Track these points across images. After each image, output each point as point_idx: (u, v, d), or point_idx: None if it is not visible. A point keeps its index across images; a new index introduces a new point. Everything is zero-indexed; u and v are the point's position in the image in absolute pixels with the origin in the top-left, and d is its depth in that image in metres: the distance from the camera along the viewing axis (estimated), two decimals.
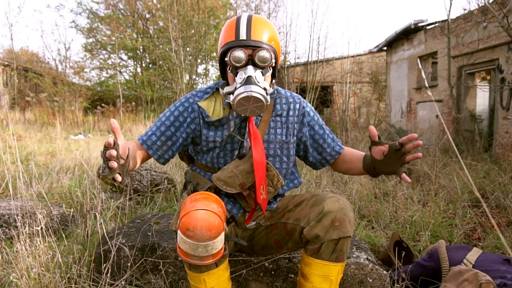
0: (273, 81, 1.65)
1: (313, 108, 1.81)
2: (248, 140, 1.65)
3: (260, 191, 1.58)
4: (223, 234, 1.40)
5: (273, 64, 1.57)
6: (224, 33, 1.57)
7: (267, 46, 1.52)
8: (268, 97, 1.48)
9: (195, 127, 1.65)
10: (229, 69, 1.54)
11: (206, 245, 1.36)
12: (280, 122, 1.70)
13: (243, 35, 1.50)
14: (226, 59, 1.53)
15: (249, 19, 1.53)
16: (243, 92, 1.43)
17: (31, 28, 40.24)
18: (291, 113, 1.71)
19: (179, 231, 1.38)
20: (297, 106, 1.73)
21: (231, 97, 1.48)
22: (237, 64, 1.50)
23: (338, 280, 1.55)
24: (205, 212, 1.35)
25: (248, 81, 1.46)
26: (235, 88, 1.49)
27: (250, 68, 1.49)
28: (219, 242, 1.39)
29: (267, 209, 1.73)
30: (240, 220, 1.72)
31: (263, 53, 1.49)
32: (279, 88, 1.75)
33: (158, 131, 1.65)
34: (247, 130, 1.64)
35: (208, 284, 1.49)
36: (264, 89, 1.49)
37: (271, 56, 1.51)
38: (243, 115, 1.51)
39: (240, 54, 1.48)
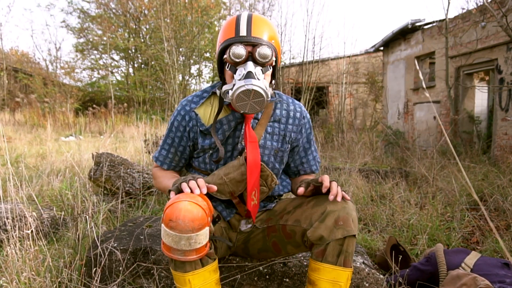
0: (273, 82, 1.62)
1: (310, 120, 1.80)
2: (242, 142, 1.62)
3: (251, 197, 1.56)
4: (207, 228, 1.35)
5: (273, 63, 1.55)
6: (223, 30, 1.54)
7: (267, 43, 1.50)
8: (269, 94, 1.46)
9: (194, 135, 1.65)
10: (227, 67, 1.51)
11: (189, 237, 1.31)
12: (278, 128, 1.67)
13: (243, 32, 1.48)
14: (225, 56, 1.50)
15: (250, 17, 1.52)
16: (243, 86, 1.40)
17: (21, 27, 40.02)
18: (290, 121, 1.69)
19: (162, 224, 1.34)
20: (298, 115, 1.71)
21: (230, 92, 1.45)
22: (236, 60, 1.46)
23: (347, 287, 1.50)
24: (188, 203, 1.32)
25: (248, 76, 1.43)
26: (234, 85, 1.46)
27: (250, 64, 1.46)
28: (202, 236, 1.34)
29: (266, 209, 1.71)
30: (233, 223, 1.69)
31: (264, 49, 1.46)
32: (281, 93, 1.72)
33: (166, 144, 1.71)
34: (242, 133, 1.61)
35: (193, 285, 1.43)
36: (265, 86, 1.45)
37: (272, 54, 1.48)
38: (241, 112, 1.48)
39: (240, 49, 1.45)
